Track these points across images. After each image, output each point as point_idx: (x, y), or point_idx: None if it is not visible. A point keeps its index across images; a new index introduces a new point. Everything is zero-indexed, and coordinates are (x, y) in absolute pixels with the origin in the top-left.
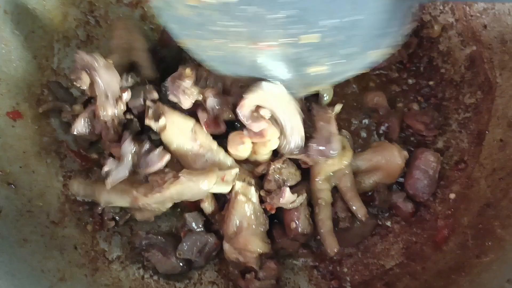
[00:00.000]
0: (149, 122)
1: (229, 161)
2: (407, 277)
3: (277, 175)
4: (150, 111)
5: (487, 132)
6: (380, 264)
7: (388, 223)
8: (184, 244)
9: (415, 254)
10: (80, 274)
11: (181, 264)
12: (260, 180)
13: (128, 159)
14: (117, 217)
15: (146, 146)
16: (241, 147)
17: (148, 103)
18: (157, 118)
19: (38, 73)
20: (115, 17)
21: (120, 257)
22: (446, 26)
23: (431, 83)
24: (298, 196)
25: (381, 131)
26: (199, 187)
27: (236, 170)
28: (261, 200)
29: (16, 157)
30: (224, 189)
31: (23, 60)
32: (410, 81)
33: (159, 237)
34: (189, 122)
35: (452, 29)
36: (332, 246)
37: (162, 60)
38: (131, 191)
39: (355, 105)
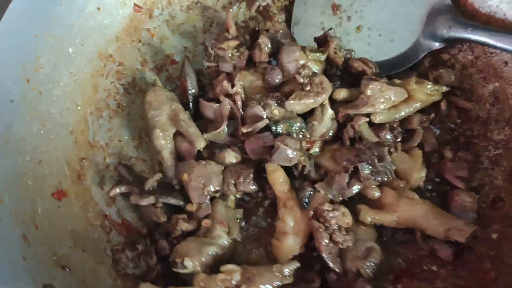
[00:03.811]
0: None
1: None
2: None
3: None
4: None
5: None
6: None
7: (434, 268)
8: None
9: None
10: None
11: None
12: None
13: None
14: None
15: None
16: None
17: None
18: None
19: (76, 148)
20: (142, 83)
21: None
22: (466, 64)
23: (458, 121)
24: None
25: None
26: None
27: (295, 265)
28: None
29: (65, 237)
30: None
31: (60, 137)
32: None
33: None
34: None
35: (473, 66)
36: None
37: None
38: None
39: None
